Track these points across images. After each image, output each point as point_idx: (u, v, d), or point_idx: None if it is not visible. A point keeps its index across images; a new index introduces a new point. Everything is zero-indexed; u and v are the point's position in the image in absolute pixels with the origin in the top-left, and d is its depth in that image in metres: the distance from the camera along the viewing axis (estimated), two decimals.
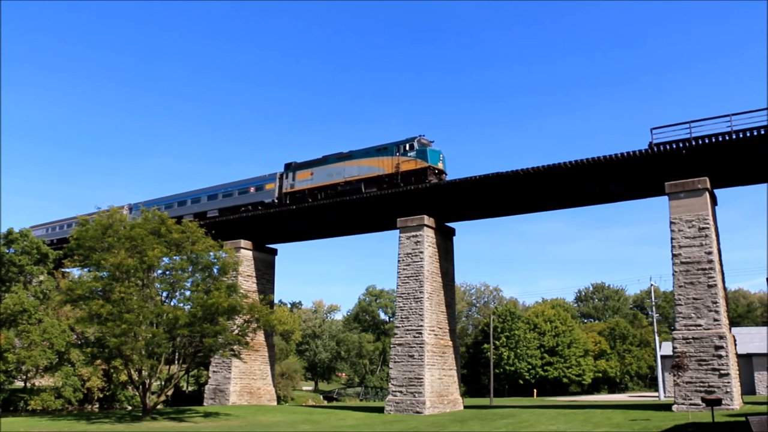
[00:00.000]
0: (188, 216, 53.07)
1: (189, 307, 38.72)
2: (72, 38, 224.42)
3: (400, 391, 41.94)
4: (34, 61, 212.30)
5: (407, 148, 43.70)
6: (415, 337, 42.49)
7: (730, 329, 36.50)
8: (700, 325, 34.38)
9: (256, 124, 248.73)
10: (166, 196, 58.72)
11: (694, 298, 34.86)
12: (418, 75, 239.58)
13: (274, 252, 57.45)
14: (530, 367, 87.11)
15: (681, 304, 35.19)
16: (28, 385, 50.62)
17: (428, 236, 44.58)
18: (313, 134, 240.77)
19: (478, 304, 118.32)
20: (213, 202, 54.12)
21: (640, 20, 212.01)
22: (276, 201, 49.67)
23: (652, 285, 71.20)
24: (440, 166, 43.61)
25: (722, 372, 33.14)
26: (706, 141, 35.01)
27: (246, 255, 52.93)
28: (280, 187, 49.96)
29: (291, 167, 50.00)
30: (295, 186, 48.95)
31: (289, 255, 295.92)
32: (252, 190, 51.48)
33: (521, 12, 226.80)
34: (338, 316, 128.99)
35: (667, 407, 36.18)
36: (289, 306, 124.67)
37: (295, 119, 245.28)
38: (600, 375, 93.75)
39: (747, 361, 59.46)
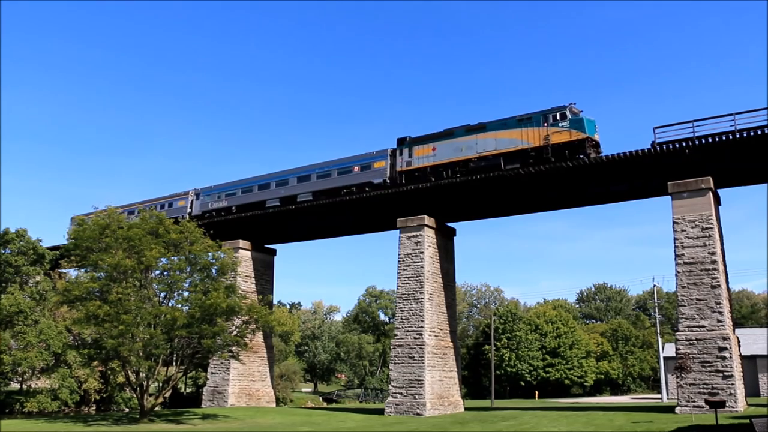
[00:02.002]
0: (273, 201, 49.55)
1: (187, 308, 38.34)
2: (72, 38, 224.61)
3: (401, 393, 41.58)
4: (33, 61, 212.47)
5: (558, 117, 38.41)
6: (415, 338, 42.14)
7: (733, 330, 36.16)
8: (703, 326, 34.01)
9: (255, 124, 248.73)
10: (243, 179, 53.75)
11: (697, 299, 34.54)
12: (419, 75, 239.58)
13: (273, 252, 57.16)
14: (532, 368, 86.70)
15: (684, 305, 34.85)
16: (24, 387, 50.31)
17: (429, 236, 44.24)
18: (314, 134, 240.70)
19: (479, 305, 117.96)
20: (305, 184, 48.55)
21: (641, 19, 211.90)
22: (388, 181, 44.46)
23: (654, 285, 70.87)
24: (596, 137, 38.45)
25: (726, 374, 32.81)
26: (710, 140, 34.76)
27: (245, 255, 52.64)
28: (392, 165, 44.73)
29: (405, 142, 44.55)
30: (412, 163, 43.65)
31: (288, 255, 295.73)
32: (356, 169, 46.02)
33: (522, 12, 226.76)
34: (338, 317, 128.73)
35: (670, 409, 35.84)
36: (288, 307, 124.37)
37: (296, 119, 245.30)
38: (602, 377, 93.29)
39: (751, 363, 59.04)
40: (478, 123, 41.63)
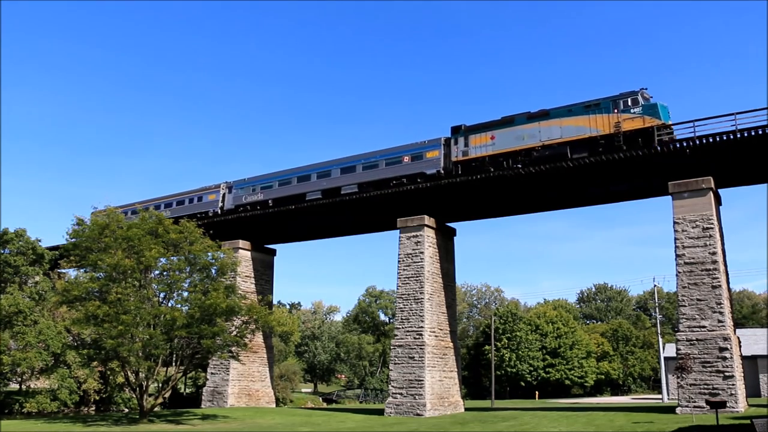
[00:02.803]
0: (314, 193, 47.63)
1: (187, 308, 38.30)
2: (72, 38, 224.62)
3: (401, 393, 41.52)
4: (34, 61, 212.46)
5: (629, 103, 36.54)
6: (415, 338, 42.07)
7: (734, 331, 36.12)
8: (704, 327, 33.95)
9: (255, 124, 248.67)
10: (280, 171, 51.47)
11: (698, 299, 34.47)
12: (420, 75, 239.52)
13: (273, 252, 57.11)
14: (532, 368, 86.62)
15: (685, 305, 34.78)
16: (24, 387, 50.20)
17: (429, 236, 44.17)
18: (315, 134, 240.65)
19: (479, 305, 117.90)
20: (349, 175, 46.42)
21: (641, 19, 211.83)
22: (442, 172, 42.32)
23: (655, 286, 70.76)
24: (669, 124, 36.54)
25: (727, 374, 32.75)
26: (710, 140, 34.66)
27: (244, 255, 52.59)
28: (447, 155, 42.71)
29: (461, 131, 42.46)
30: (469, 153, 41.56)
31: (288, 255, 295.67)
32: (406, 159, 43.88)
33: (521, 12, 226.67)
34: (338, 317, 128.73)
35: (670, 410, 35.77)
36: (288, 307, 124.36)
37: (296, 119, 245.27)
38: (602, 377, 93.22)
39: (752, 363, 58.94)
40: (539, 110, 39.92)
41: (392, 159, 44.78)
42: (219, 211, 52.73)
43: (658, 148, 35.39)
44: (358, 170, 46.15)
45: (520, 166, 38.85)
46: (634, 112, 36.35)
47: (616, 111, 36.88)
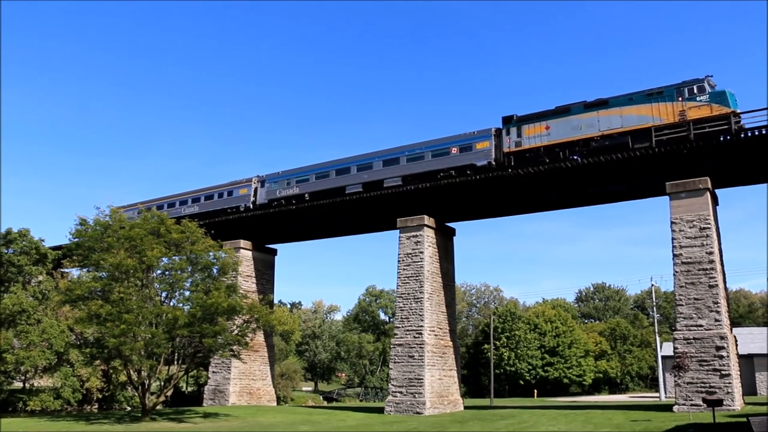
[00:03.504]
0: (354, 187, 46.01)
1: (188, 307, 38.61)
2: (73, 38, 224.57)
3: (400, 392, 41.82)
4: (34, 61, 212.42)
5: (695, 90, 35.39)
6: (415, 337, 42.38)
7: (731, 329, 36.39)
8: (701, 326, 34.26)
9: (256, 123, 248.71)
10: (317, 163, 49.92)
11: (695, 299, 34.75)
12: (421, 74, 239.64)
13: (274, 252, 57.36)
14: (531, 367, 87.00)
15: (682, 305, 35.08)
16: (27, 385, 50.52)
17: (428, 236, 44.47)
18: (316, 133, 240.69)
19: (478, 305, 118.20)
20: (392, 168, 44.85)
21: (640, 19, 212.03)
22: (493, 163, 40.92)
23: (652, 285, 71.23)
24: (738, 112, 35.15)
25: (723, 372, 33.03)
26: (708, 141, 34.90)
27: (245, 255, 52.80)
28: (498, 145, 41.38)
29: (513, 121, 41.13)
30: (522, 143, 40.27)
31: (288, 255, 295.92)
32: (454, 151, 42.54)
33: (524, 11, 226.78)
34: (338, 317, 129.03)
35: (668, 408, 36.06)
36: (288, 306, 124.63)
37: (296, 119, 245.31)
38: (601, 375, 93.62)
39: (748, 362, 59.33)
40: (597, 99, 38.79)
41: (439, 150, 43.43)
42: (251, 206, 51.55)
43: (656, 149, 35.77)
44: (401, 162, 44.77)
45: (577, 157, 38.06)
46: (701, 100, 35.27)
47: (680, 99, 35.77)
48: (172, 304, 39.62)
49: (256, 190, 52.30)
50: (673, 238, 36.15)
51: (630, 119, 37.15)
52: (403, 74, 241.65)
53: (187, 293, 39.73)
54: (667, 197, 36.98)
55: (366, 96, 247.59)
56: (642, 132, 36.63)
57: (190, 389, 64.60)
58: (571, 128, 38.83)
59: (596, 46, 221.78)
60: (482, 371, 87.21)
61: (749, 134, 33.87)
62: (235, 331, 39.02)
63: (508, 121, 41.49)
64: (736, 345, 36.56)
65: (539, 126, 40.07)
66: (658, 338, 66.94)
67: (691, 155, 35.58)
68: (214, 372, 51.08)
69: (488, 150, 41.33)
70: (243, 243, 52.92)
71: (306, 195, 48.72)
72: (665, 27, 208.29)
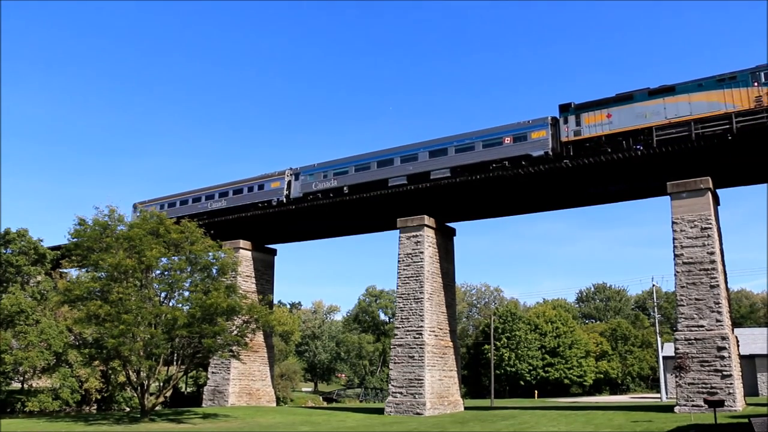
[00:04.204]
0: (398, 179, 44.21)
1: (188, 307, 38.52)
2: (73, 38, 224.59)
3: (400, 392, 41.71)
4: (33, 60, 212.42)
5: None
6: (415, 337, 42.27)
7: (732, 330, 36.28)
8: (702, 326, 34.15)
9: (258, 122, 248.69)
10: (356, 155, 48.01)
11: (696, 299, 34.66)
12: (424, 74, 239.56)
13: (274, 252, 57.27)
14: (531, 368, 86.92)
15: (683, 305, 34.98)
16: (26, 386, 50.39)
17: (428, 236, 44.37)
18: (317, 133, 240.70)
19: (478, 305, 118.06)
20: (439, 159, 43.03)
21: (639, 18, 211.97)
22: (550, 153, 39.26)
23: (654, 285, 71.13)
24: None
25: (725, 373, 32.94)
26: (709, 140, 34.79)
27: (245, 255, 52.74)
28: (555, 135, 39.73)
29: (570, 109, 39.36)
30: (581, 132, 38.64)
31: (288, 255, 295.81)
32: (507, 140, 40.72)
33: (526, 9, 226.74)
34: (338, 317, 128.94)
35: (669, 409, 35.96)
36: (288, 306, 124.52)
37: (299, 117, 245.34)
38: (601, 376, 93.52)
39: (750, 362, 59.22)
40: (662, 85, 37.15)
41: (491, 140, 41.52)
42: (284, 200, 49.80)
43: (656, 149, 35.65)
44: (450, 153, 42.85)
45: (641, 147, 36.90)
46: None
47: (756, 84, 34.14)
48: (171, 304, 39.54)
49: (289, 183, 50.42)
50: (674, 238, 36.06)
51: (700, 106, 35.50)
52: (408, 72, 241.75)
53: (186, 293, 39.63)
54: (668, 197, 36.92)
55: (366, 96, 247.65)
56: (712, 119, 34.93)
57: (189, 390, 64.48)
58: (635, 116, 37.22)
59: (592, 46, 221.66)
60: (482, 372, 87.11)
61: (750, 133, 33.71)
62: (235, 332, 38.95)
63: (565, 109, 39.76)
64: (738, 345, 36.47)
65: (600, 114, 38.46)
66: (659, 339, 66.86)
67: (692, 155, 35.47)
68: (213, 372, 50.99)
69: (545, 139, 39.66)
70: (242, 243, 52.85)
71: (345, 188, 46.87)
72: (662, 27, 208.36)
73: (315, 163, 49.81)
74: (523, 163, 39.86)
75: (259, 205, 50.69)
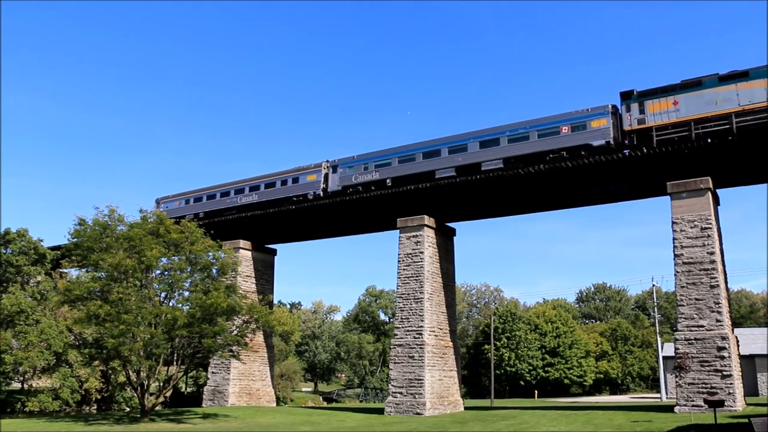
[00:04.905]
0: (446, 171, 42.69)
1: (187, 307, 38.56)
2: (74, 38, 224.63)
3: (400, 392, 41.73)
4: (35, 61, 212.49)
5: None
6: (415, 337, 42.29)
7: (732, 330, 36.29)
8: (702, 326, 34.17)
9: (258, 123, 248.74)
10: (398, 146, 46.11)
11: (696, 299, 34.69)
12: (427, 74, 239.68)
13: (274, 252, 57.30)
14: (531, 368, 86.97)
15: (683, 305, 35.00)
16: (26, 386, 50.42)
17: (428, 236, 44.40)
18: (320, 132, 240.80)
19: (478, 305, 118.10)
20: (491, 149, 41.39)
21: (640, 20, 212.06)
22: (612, 143, 37.64)
23: (654, 285, 71.24)
24: None
25: (725, 373, 32.96)
26: (709, 140, 34.84)
27: (245, 255, 52.77)
28: (617, 124, 38.26)
29: (633, 97, 37.84)
30: (646, 121, 37.06)
31: (288, 255, 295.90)
32: (565, 130, 39.21)
33: (530, 11, 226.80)
34: (338, 317, 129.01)
35: (669, 409, 35.98)
36: (288, 307, 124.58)
37: (296, 118, 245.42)
38: (601, 376, 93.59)
39: (750, 362, 59.29)
40: (732, 71, 35.68)
41: (546, 130, 39.97)
42: (321, 194, 48.08)
43: (657, 149, 35.67)
44: (502, 143, 41.22)
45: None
46: None
47: None
48: (171, 304, 39.57)
49: (326, 176, 48.71)
50: (674, 238, 36.09)
51: None
52: (411, 72, 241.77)
53: (186, 293, 39.66)
54: (668, 197, 36.94)
55: (362, 96, 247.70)
56: None
57: (189, 390, 64.53)
58: (704, 103, 35.56)
59: (592, 47, 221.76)
60: (482, 372, 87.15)
61: (750, 133, 33.73)
62: (235, 332, 38.99)
63: (627, 96, 38.28)
64: (738, 345, 36.48)
65: (666, 101, 36.79)
66: (659, 339, 66.91)
67: (692, 155, 35.49)
68: (213, 372, 51.02)
69: (606, 129, 38.13)
70: (242, 243, 52.87)
71: (387, 180, 45.33)
72: (662, 26, 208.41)
73: (354, 155, 48.06)
74: (583, 153, 38.31)
75: (294, 199, 49.26)
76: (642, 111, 37.44)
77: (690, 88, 36.38)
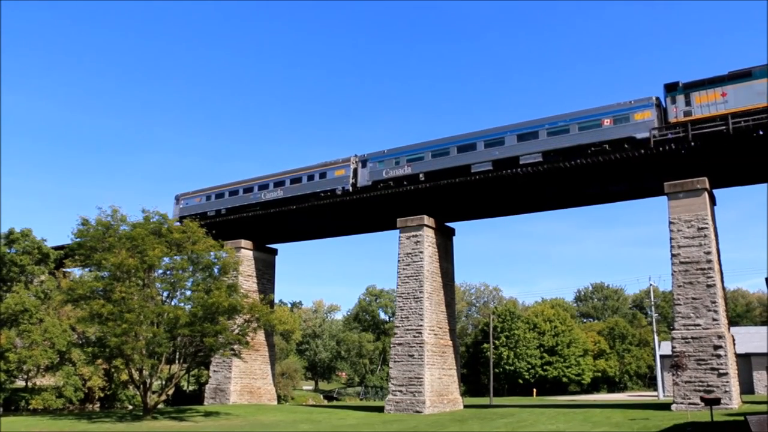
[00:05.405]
0: (482, 165, 41.66)
1: (189, 306, 38.99)
2: (72, 35, 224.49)
3: (400, 391, 42.09)
4: (35, 61, 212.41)
5: None
6: (415, 336, 42.65)
7: (728, 329, 36.70)
8: (699, 325, 34.55)
9: (258, 122, 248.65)
10: (431, 140, 45.37)
11: (693, 298, 35.07)
12: (427, 74, 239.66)
13: (275, 252, 57.63)
14: (530, 366, 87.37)
15: (680, 304, 35.38)
16: (30, 384, 50.76)
17: (428, 236, 44.75)
18: (320, 132, 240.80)
19: (477, 304, 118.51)
20: (530, 143, 40.54)
21: (639, 21, 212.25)
22: (656, 136, 36.73)
23: (651, 285, 71.65)
24: None
25: (721, 371, 33.34)
26: (706, 141, 35.17)
27: (246, 255, 53.09)
28: (661, 116, 37.48)
29: (678, 88, 36.96)
30: (693, 113, 36.10)
31: (289, 255, 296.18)
32: (607, 122, 38.32)
33: (531, 11, 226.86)
34: (338, 316, 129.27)
35: (666, 407, 36.35)
36: (289, 306, 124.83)
37: (300, 116, 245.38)
38: (599, 374, 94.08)
39: (746, 361, 59.71)
40: None
41: (587, 122, 39.14)
42: (350, 189, 47.07)
43: (654, 149, 36.02)
44: (541, 136, 40.43)
45: (761, 132, 34.66)
46: None
47: None
48: (173, 303, 39.99)
49: (355, 171, 47.79)
50: (671, 238, 36.45)
51: None
52: (415, 72, 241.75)
53: (188, 293, 40.12)
54: (665, 197, 37.29)
55: (366, 97, 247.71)
56: None
57: (191, 388, 64.90)
58: (756, 94, 34.57)
59: (590, 47, 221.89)
60: (482, 370, 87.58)
61: (746, 134, 34.10)
62: (236, 331, 39.34)
63: (672, 88, 37.42)
64: (734, 344, 36.87)
65: (713, 93, 35.97)
66: (656, 337, 67.29)
67: (689, 155, 35.83)
68: (215, 371, 51.38)
69: (650, 121, 37.32)
70: (244, 243, 53.20)
71: (420, 175, 44.35)
72: (661, 26, 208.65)
73: (384, 149, 47.29)
74: (626, 146, 37.57)
75: (322, 194, 48.25)
76: (688, 103, 36.63)
77: (739, 79, 35.52)
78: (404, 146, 46.24)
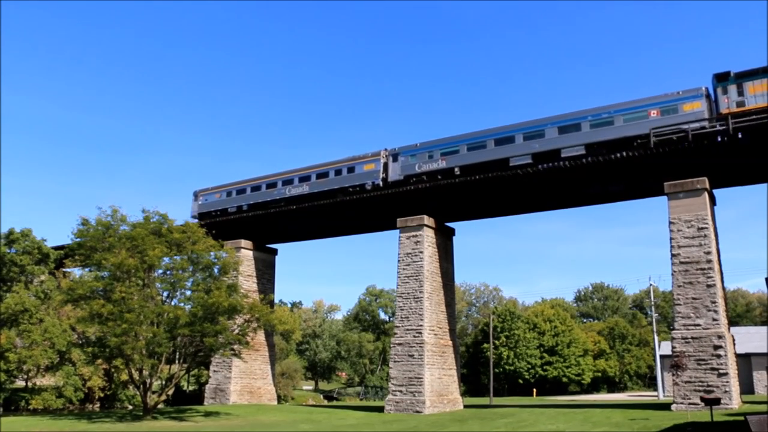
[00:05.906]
0: (521, 158, 40.50)
1: (189, 306, 38.98)
2: (76, 37, 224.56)
3: (400, 391, 42.11)
4: (35, 60, 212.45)
5: None
6: (415, 336, 42.67)
7: (728, 329, 36.70)
8: (699, 325, 34.56)
9: (259, 122, 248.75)
10: (465, 133, 44.03)
11: (693, 298, 35.08)
12: (427, 73, 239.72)
13: (275, 252, 57.65)
14: (530, 366, 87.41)
15: (680, 304, 35.39)
16: (30, 384, 50.78)
17: (428, 236, 44.77)
18: (320, 132, 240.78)
19: (477, 304, 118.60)
20: (572, 135, 39.38)
21: (640, 21, 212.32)
22: (706, 126, 35.60)
23: (651, 285, 71.65)
24: None
25: (721, 371, 33.35)
26: (705, 141, 35.20)
27: (246, 255, 53.09)
28: (712, 108, 36.24)
29: (730, 78, 35.54)
30: (746, 103, 34.79)
31: (289, 255, 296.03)
32: (653, 114, 37.16)
33: (531, 11, 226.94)
34: (338, 316, 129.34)
35: (666, 407, 36.37)
36: (289, 306, 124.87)
37: (300, 116, 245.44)
38: (599, 374, 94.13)
39: (746, 361, 59.74)
40: None
41: (633, 114, 38.00)
42: (381, 183, 45.70)
43: (654, 149, 36.03)
44: (584, 128, 39.23)
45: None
46: None
47: None
48: (173, 303, 39.98)
49: (386, 165, 46.40)
50: (671, 238, 36.46)
51: None
52: (418, 72, 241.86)
53: (188, 293, 40.12)
54: (665, 197, 37.31)
55: (361, 97, 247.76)
56: None
57: (191, 388, 64.93)
58: None
59: (590, 48, 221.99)
60: (482, 370, 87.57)
61: (746, 134, 34.13)
62: (236, 331, 39.34)
63: (723, 78, 36.03)
64: (734, 344, 36.89)
65: (766, 82, 34.59)
66: (656, 337, 67.30)
67: (689, 155, 35.85)
68: (215, 371, 51.39)
69: (699, 112, 36.11)
70: (244, 243, 53.21)
71: (456, 169, 42.99)
72: (660, 26, 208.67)
73: (417, 143, 46.04)
74: (673, 138, 36.29)
75: (350, 189, 46.86)
76: (741, 93, 35.33)
77: None
78: (437, 139, 45.20)
